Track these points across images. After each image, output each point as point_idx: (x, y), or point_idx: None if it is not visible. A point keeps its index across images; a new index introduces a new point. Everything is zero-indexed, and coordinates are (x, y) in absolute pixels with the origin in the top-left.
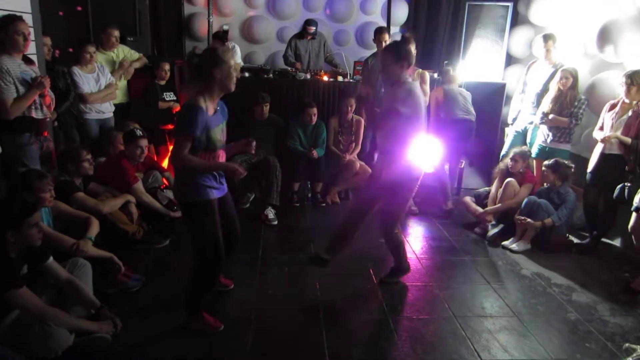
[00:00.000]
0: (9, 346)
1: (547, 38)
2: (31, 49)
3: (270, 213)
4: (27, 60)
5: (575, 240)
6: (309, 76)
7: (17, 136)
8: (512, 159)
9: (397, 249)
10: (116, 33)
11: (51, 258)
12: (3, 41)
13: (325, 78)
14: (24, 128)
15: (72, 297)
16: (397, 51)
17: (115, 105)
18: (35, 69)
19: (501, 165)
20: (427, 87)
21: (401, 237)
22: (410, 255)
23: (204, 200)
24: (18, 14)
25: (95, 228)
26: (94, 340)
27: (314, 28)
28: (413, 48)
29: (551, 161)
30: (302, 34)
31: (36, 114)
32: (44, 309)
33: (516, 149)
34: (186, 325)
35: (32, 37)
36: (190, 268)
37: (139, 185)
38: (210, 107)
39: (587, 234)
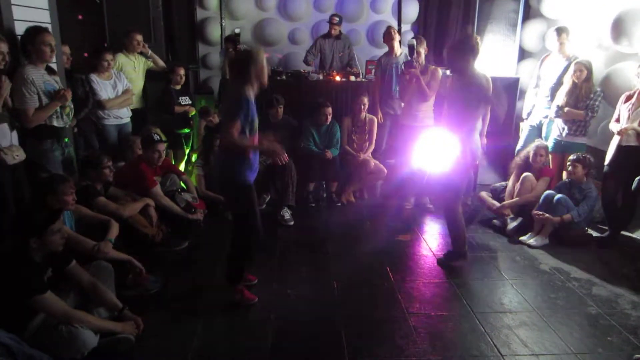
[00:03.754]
0: (36, 348)
1: (560, 31)
2: None
3: (286, 214)
4: (50, 70)
5: (594, 234)
6: (321, 77)
7: (40, 143)
8: (536, 153)
9: (458, 232)
10: (139, 37)
11: (74, 261)
12: (30, 52)
13: (338, 78)
14: (46, 135)
15: (95, 299)
16: (463, 46)
17: (131, 110)
18: (57, 79)
19: (517, 159)
20: (436, 84)
21: (463, 221)
22: (426, 252)
23: (247, 184)
24: (38, 25)
25: (115, 230)
26: (118, 341)
27: (338, 19)
28: (424, 49)
29: (578, 155)
30: (329, 32)
31: (57, 123)
32: (69, 312)
33: (538, 143)
34: (232, 297)
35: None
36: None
37: (158, 189)
38: (252, 97)
39: (606, 227)
